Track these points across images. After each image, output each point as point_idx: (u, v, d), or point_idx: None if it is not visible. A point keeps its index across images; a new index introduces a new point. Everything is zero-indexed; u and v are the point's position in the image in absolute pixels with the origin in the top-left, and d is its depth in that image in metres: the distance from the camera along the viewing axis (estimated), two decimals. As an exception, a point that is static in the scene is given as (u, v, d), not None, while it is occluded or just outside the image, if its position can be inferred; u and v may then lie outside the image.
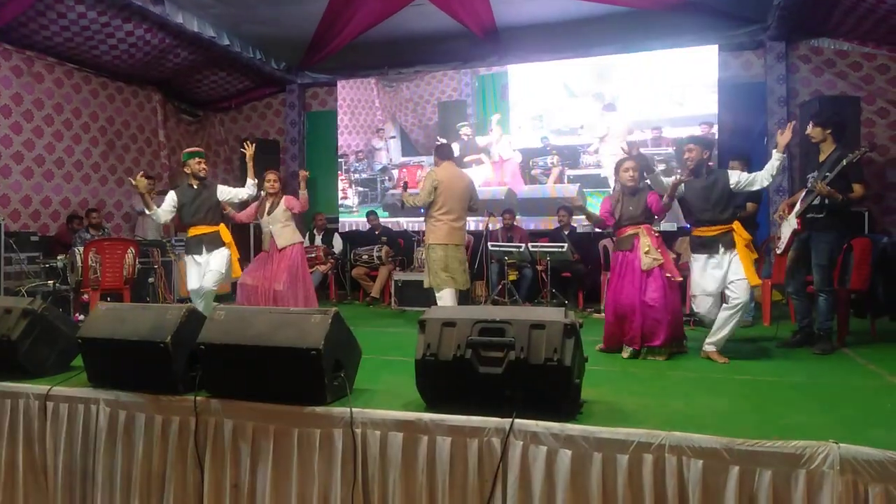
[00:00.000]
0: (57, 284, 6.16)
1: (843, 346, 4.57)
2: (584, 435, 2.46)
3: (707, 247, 4.21)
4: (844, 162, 4.20)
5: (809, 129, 4.47)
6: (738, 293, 4.08)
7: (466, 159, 8.96)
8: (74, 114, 8.09)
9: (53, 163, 7.82)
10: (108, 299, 5.61)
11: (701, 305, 4.32)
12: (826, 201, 4.30)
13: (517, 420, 2.53)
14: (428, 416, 2.67)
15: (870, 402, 3.11)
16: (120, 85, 8.70)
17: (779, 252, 4.77)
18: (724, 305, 4.20)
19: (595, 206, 5.72)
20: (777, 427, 2.56)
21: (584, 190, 8.27)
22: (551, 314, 2.73)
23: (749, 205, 5.71)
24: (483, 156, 8.97)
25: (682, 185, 4.33)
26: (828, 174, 4.25)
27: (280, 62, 9.35)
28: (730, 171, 4.30)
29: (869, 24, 6.85)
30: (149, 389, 3.12)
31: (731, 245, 4.14)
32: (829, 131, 4.41)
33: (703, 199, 4.24)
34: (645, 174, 4.43)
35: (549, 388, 2.61)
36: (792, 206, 4.58)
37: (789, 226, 4.54)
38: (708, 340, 4.22)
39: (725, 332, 4.15)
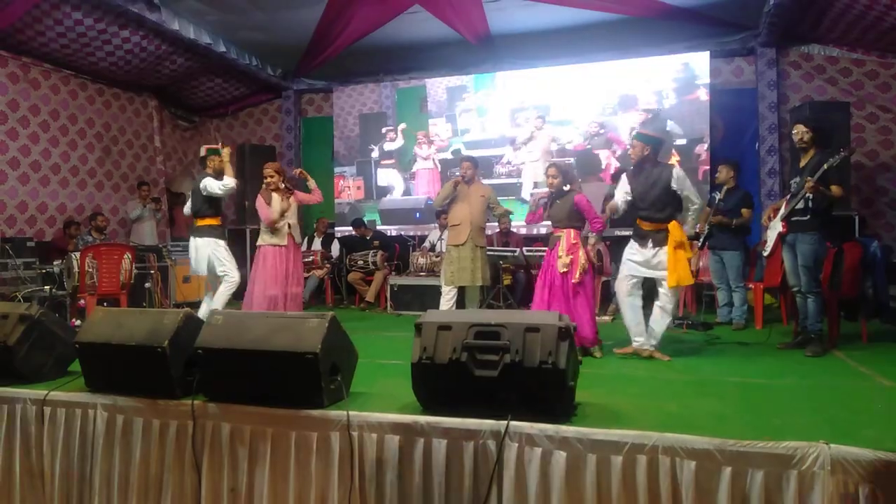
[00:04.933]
0: (53, 290, 6.17)
1: (834, 349, 4.62)
2: (578, 436, 2.49)
3: (641, 238, 4.43)
4: (826, 166, 4.29)
5: (800, 131, 4.52)
6: (667, 291, 4.33)
7: (384, 162, 9.38)
8: (70, 120, 8.10)
9: (49, 168, 7.83)
10: (105, 304, 5.62)
11: (620, 287, 4.51)
12: (810, 204, 4.38)
13: (512, 422, 2.56)
14: (424, 418, 2.70)
15: (860, 403, 3.15)
16: (116, 91, 8.72)
17: (766, 254, 4.88)
18: (656, 302, 4.41)
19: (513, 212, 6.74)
20: (769, 428, 2.59)
21: (498, 198, 8.58)
22: (546, 318, 2.76)
23: (744, 211, 5.79)
24: (394, 161, 9.41)
25: (627, 182, 4.52)
26: (809, 178, 4.33)
27: (276, 69, 9.39)
28: (674, 171, 4.39)
29: (858, 31, 6.93)
30: (146, 394, 3.14)
31: (661, 243, 4.33)
32: (811, 134, 4.50)
33: (642, 196, 4.42)
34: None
35: (543, 391, 2.64)
36: (777, 211, 4.67)
37: (775, 229, 4.63)
38: (650, 342, 4.39)
39: (662, 329, 4.37)
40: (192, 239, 5.43)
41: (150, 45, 7.80)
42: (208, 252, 5.32)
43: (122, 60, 7.96)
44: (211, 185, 5.28)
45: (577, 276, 4.49)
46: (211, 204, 5.38)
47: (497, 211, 6.12)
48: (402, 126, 9.32)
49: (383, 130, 9.44)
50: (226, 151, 5.42)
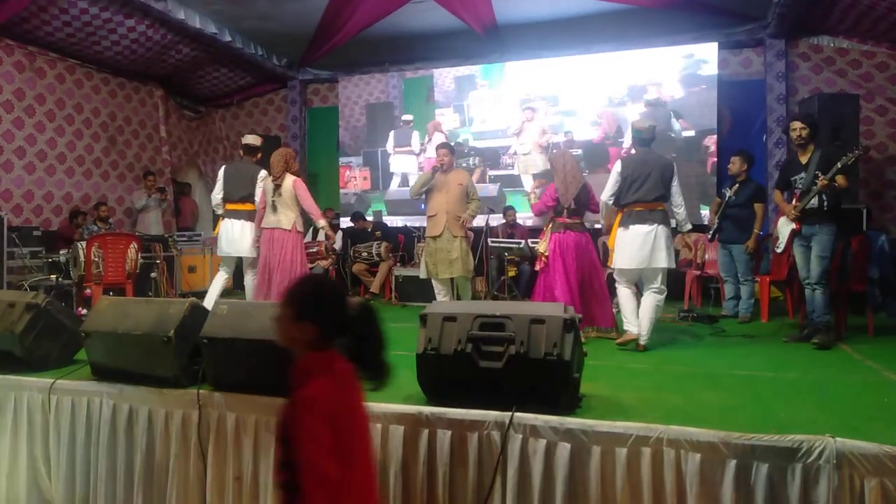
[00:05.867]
0: (60, 279, 6.19)
1: (840, 342, 4.60)
2: (582, 428, 2.49)
3: None
4: (840, 165, 4.30)
5: (797, 127, 4.53)
6: None
7: (397, 149, 9.31)
8: (76, 109, 8.10)
9: (55, 158, 7.84)
10: (111, 294, 5.64)
11: None
12: (825, 198, 4.39)
13: (517, 413, 2.56)
14: (429, 409, 2.70)
15: (866, 397, 3.13)
16: (122, 81, 8.72)
17: (779, 251, 4.84)
18: None
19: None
20: (774, 421, 2.59)
21: (504, 189, 8.75)
22: (551, 309, 2.76)
23: (757, 206, 5.74)
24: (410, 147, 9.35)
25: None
26: (818, 173, 4.36)
27: (281, 58, 9.36)
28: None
29: (868, 22, 6.86)
30: (152, 383, 3.15)
31: None
32: (809, 130, 4.53)
33: None
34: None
35: (548, 383, 2.63)
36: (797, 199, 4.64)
37: (788, 227, 4.60)
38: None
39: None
40: (238, 222, 5.41)
41: (156, 34, 7.78)
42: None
43: (127, 49, 7.95)
44: (262, 192, 5.37)
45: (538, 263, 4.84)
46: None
47: (470, 206, 5.59)
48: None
49: (403, 118, 9.34)
50: None
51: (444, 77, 9.16)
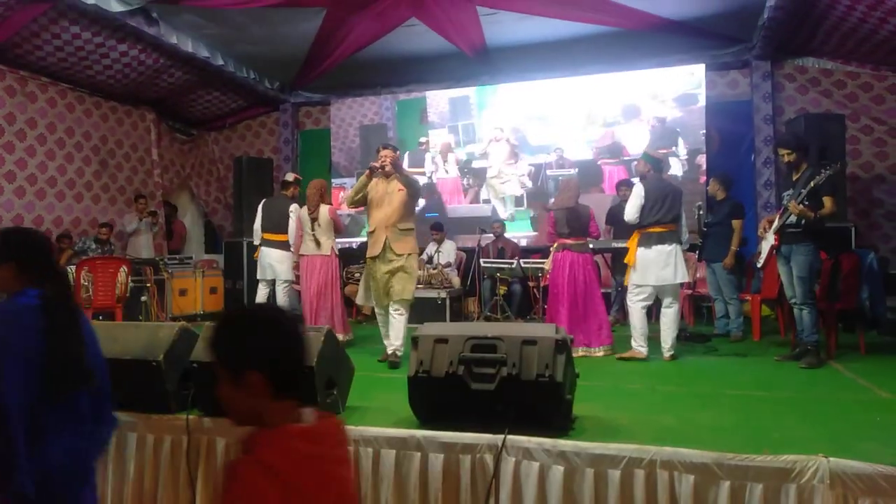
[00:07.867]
0: (48, 303, 6.12)
1: (832, 361, 4.61)
2: (575, 450, 2.47)
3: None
4: (812, 184, 4.34)
5: (784, 155, 4.60)
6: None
7: (411, 170, 9.03)
8: (68, 133, 8.10)
9: (46, 182, 7.82)
10: (101, 318, 5.59)
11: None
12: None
13: (509, 436, 2.54)
14: (420, 433, 2.68)
15: (859, 416, 3.14)
16: (113, 104, 8.73)
17: (759, 265, 4.93)
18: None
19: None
20: (767, 441, 2.58)
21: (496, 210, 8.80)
22: (543, 330, 2.76)
23: (734, 222, 5.81)
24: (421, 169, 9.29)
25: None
26: (802, 191, 4.39)
27: (274, 82, 9.42)
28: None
29: (852, 43, 6.98)
30: (141, 408, 3.11)
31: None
32: (793, 153, 4.57)
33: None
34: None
35: (540, 404, 2.63)
36: (771, 223, 4.71)
37: (767, 242, 4.68)
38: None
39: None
40: (274, 249, 5.93)
41: (148, 58, 7.82)
42: (290, 263, 5.96)
43: (119, 74, 7.97)
44: (293, 223, 5.92)
45: None
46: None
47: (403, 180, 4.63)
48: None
49: (421, 140, 9.28)
50: None
51: (439, 98, 9.21)
